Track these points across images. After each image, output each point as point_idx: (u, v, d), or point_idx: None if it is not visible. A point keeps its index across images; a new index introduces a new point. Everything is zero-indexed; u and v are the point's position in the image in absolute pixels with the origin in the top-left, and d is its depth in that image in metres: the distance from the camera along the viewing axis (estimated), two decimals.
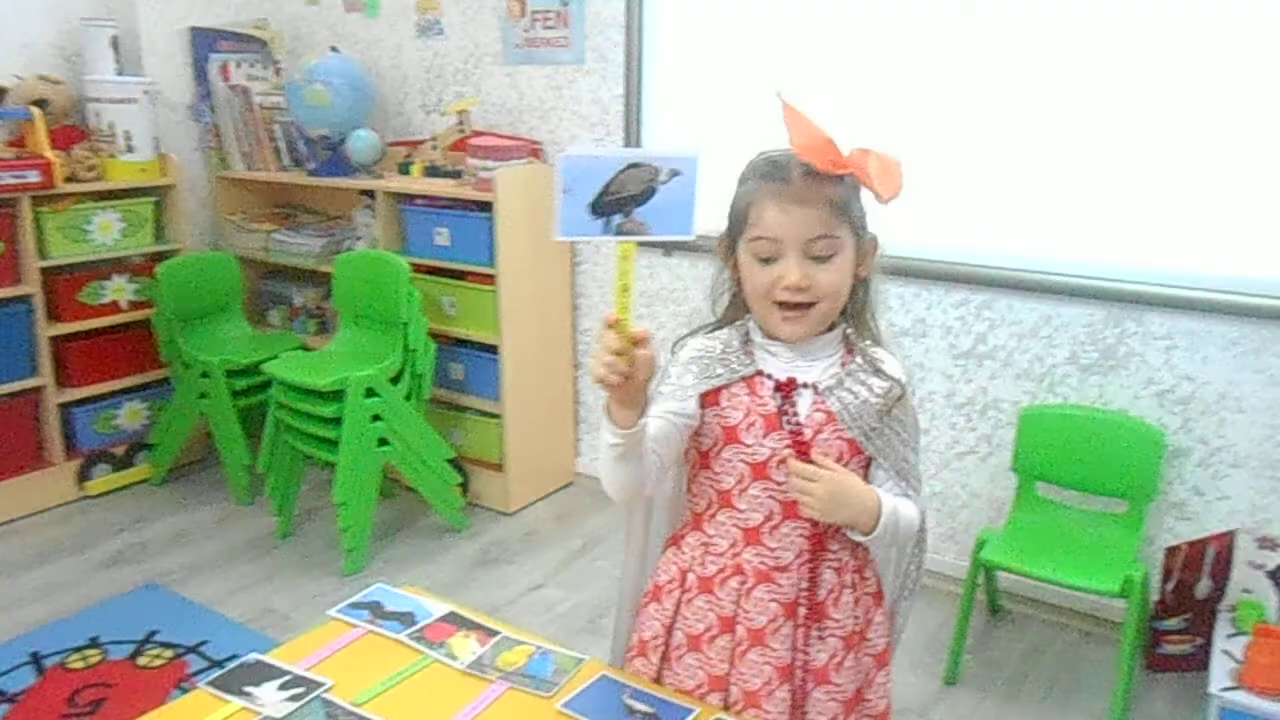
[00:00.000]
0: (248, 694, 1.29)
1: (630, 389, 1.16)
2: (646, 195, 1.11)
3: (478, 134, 3.35)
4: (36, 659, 2.48)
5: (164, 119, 3.58)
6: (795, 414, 1.28)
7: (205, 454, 3.63)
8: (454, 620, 1.47)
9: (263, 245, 3.70)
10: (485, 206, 3.11)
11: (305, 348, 3.38)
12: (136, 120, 3.35)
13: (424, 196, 3.29)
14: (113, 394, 3.46)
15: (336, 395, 2.86)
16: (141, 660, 2.49)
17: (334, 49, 3.54)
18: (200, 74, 3.68)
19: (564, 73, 3.31)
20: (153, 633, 2.61)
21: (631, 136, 3.19)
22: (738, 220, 1.30)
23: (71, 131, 3.34)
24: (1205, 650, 2.35)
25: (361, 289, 3.22)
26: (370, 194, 3.44)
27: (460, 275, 3.26)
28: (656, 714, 1.28)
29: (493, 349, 3.24)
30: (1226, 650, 2.23)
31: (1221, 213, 2.37)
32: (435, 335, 3.18)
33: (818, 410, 1.29)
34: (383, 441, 2.97)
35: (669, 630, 1.39)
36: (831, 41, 2.80)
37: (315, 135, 3.51)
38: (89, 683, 2.40)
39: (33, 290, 3.17)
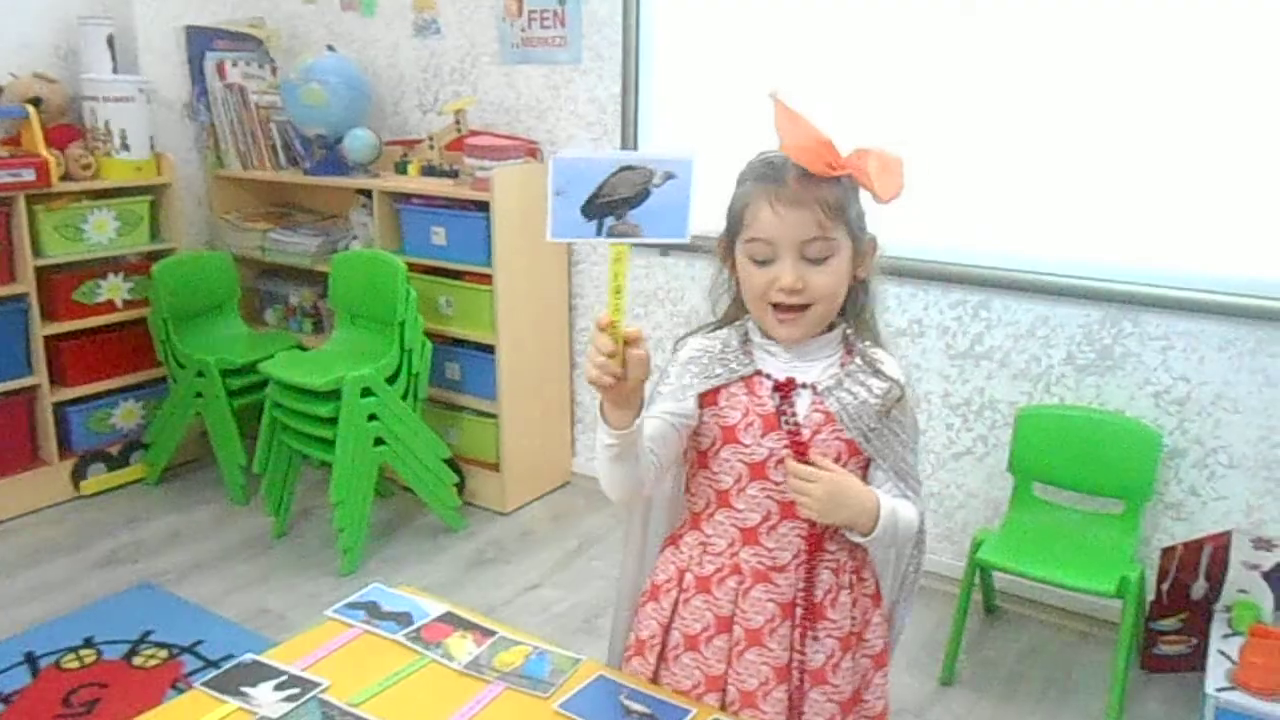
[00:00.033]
0: (244, 694, 1.29)
1: (624, 390, 1.15)
2: (640, 198, 1.10)
3: (474, 133, 3.35)
4: (31, 659, 2.48)
5: (160, 117, 3.57)
6: (794, 414, 1.28)
7: (201, 453, 3.62)
8: (451, 620, 1.47)
9: (259, 244, 3.69)
10: (482, 206, 3.10)
11: (301, 347, 3.38)
12: (132, 119, 3.34)
13: (420, 196, 3.29)
14: (108, 393, 3.45)
15: (333, 395, 2.85)
16: (137, 660, 2.49)
17: (330, 48, 3.53)
18: (196, 72, 3.67)
19: (561, 72, 3.31)
20: (148, 633, 2.60)
21: (628, 136, 3.19)
22: (734, 222, 1.30)
23: (67, 130, 3.34)
24: (1201, 651, 2.35)
25: (358, 288, 3.22)
26: (367, 193, 3.43)
27: (457, 275, 3.26)
28: (653, 714, 1.28)
29: (489, 349, 3.23)
30: (1222, 650, 2.23)
31: (1218, 214, 2.37)
32: (431, 335, 3.17)
33: (816, 410, 1.29)
34: (379, 441, 2.96)
35: (666, 630, 1.38)
36: (828, 42, 2.81)
37: (311, 134, 3.51)
38: (84, 683, 2.39)
39: (27, 289, 3.16)
